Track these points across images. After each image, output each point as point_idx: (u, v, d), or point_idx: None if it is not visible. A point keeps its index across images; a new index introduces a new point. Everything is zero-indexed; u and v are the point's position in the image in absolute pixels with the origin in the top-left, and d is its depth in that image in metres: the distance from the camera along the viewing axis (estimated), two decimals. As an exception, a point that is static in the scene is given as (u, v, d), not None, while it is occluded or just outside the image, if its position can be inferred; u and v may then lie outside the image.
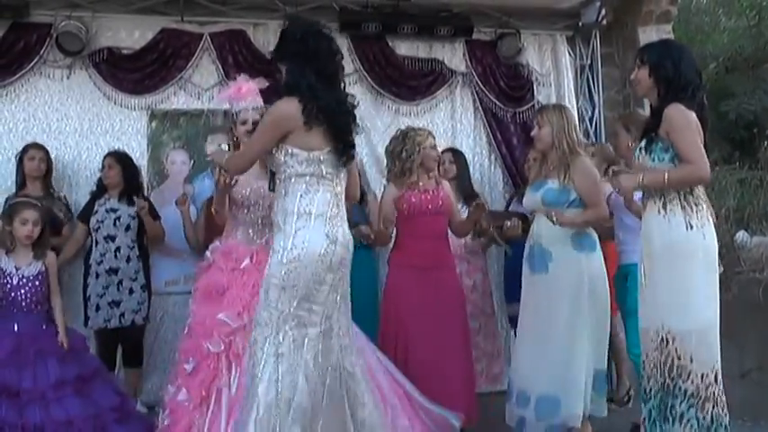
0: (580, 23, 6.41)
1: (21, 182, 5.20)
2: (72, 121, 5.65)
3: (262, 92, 4.10)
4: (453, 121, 6.22)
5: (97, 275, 5.02)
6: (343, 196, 3.39)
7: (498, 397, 4.73)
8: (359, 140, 5.91)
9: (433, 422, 3.92)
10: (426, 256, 4.58)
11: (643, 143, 3.62)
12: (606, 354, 4.28)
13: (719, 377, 3.46)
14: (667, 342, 3.46)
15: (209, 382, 3.70)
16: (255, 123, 3.82)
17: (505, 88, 6.23)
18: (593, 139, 6.28)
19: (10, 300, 4.10)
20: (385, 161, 5.83)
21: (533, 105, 6.20)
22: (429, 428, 3.88)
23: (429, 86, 6.17)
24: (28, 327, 4.08)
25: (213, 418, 3.61)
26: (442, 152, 5.25)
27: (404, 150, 4.65)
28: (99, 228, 5.06)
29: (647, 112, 3.89)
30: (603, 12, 6.33)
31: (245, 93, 4.06)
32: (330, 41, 3.37)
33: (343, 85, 3.43)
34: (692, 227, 3.45)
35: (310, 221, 3.21)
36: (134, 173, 5.26)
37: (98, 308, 4.98)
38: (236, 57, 5.77)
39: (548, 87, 6.33)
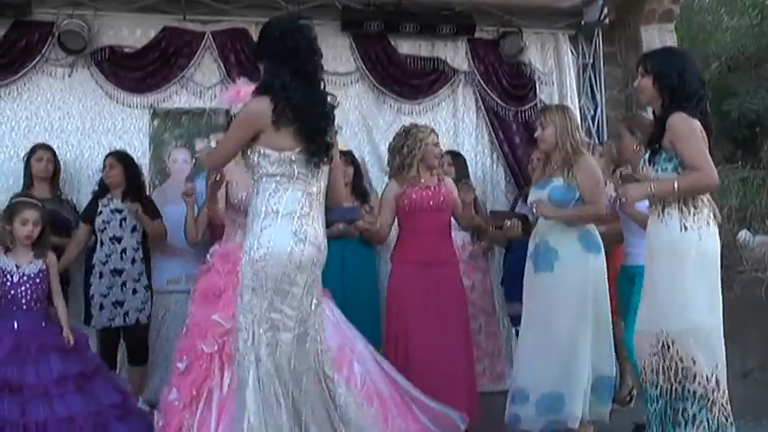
0: (582, 22, 6.41)
1: (28, 182, 5.19)
2: (74, 120, 5.66)
3: None
4: (455, 120, 6.22)
5: (101, 275, 5.02)
6: (320, 197, 3.28)
7: (501, 396, 4.71)
8: (361, 139, 6.02)
9: (435, 422, 3.90)
10: (428, 252, 4.58)
11: (647, 155, 3.62)
12: (614, 360, 4.27)
13: (722, 381, 3.43)
14: (668, 346, 3.45)
15: (201, 382, 3.69)
16: None
17: (508, 87, 6.23)
18: (596, 138, 6.28)
19: (9, 297, 4.10)
20: (387, 160, 5.85)
21: (536, 104, 6.20)
22: (428, 429, 3.86)
23: (431, 85, 6.17)
24: (28, 324, 4.08)
25: (203, 419, 3.60)
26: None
27: (405, 146, 4.66)
28: (105, 229, 5.06)
29: (650, 113, 3.88)
30: (606, 10, 6.32)
31: (244, 96, 4.05)
32: (310, 39, 3.29)
33: (322, 84, 3.32)
34: (686, 228, 3.44)
35: (277, 220, 3.12)
36: (135, 172, 5.25)
37: (102, 307, 4.99)
38: (238, 55, 5.77)
39: (550, 86, 6.33)
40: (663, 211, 3.51)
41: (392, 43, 6.10)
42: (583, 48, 6.47)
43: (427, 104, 6.16)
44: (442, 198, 4.66)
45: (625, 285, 4.40)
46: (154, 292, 5.22)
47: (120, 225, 5.06)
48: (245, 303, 3.12)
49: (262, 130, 3.15)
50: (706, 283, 3.47)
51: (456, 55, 6.21)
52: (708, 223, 3.49)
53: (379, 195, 5.42)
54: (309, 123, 3.15)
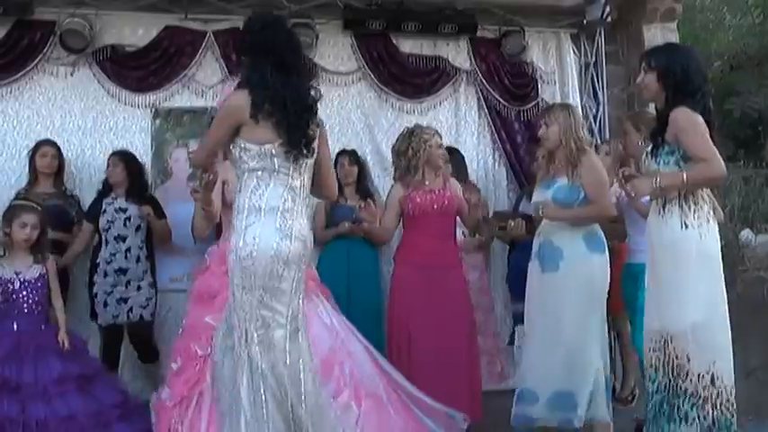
0: (584, 21, 6.39)
1: (32, 178, 5.20)
2: (76, 119, 5.65)
3: None
4: (457, 119, 6.21)
5: (105, 274, 5.03)
6: (304, 191, 3.26)
7: (500, 395, 4.72)
8: (363, 138, 6.01)
9: (437, 422, 3.88)
10: (431, 255, 4.57)
11: (649, 148, 3.62)
12: (608, 361, 4.26)
13: (719, 380, 3.42)
14: (667, 342, 3.48)
15: (193, 383, 3.68)
16: None
17: (510, 86, 6.22)
18: (598, 138, 6.27)
19: (11, 302, 4.11)
20: (389, 159, 5.84)
21: (537, 103, 6.19)
22: (429, 429, 3.84)
23: (433, 84, 6.16)
24: (27, 326, 4.10)
25: (194, 420, 3.59)
26: None
27: (410, 148, 4.64)
28: (109, 228, 5.06)
29: (653, 109, 3.89)
30: (608, 9, 6.30)
31: None
32: (290, 33, 3.31)
33: (304, 78, 3.31)
34: (686, 226, 3.45)
35: (260, 216, 3.12)
36: (139, 171, 5.26)
37: (106, 304, 5.00)
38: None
39: (552, 85, 6.31)
40: (663, 208, 3.52)
41: (394, 42, 6.09)
42: (585, 47, 6.46)
43: (429, 103, 6.15)
44: (446, 201, 4.65)
45: (630, 283, 4.40)
46: (158, 290, 5.22)
47: (125, 224, 5.07)
48: (236, 302, 3.13)
49: (242, 124, 3.16)
50: (708, 281, 3.47)
51: (458, 54, 6.20)
52: (708, 220, 3.50)
53: (382, 195, 5.44)
54: (288, 116, 3.14)
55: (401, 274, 4.66)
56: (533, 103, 6.22)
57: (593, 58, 6.45)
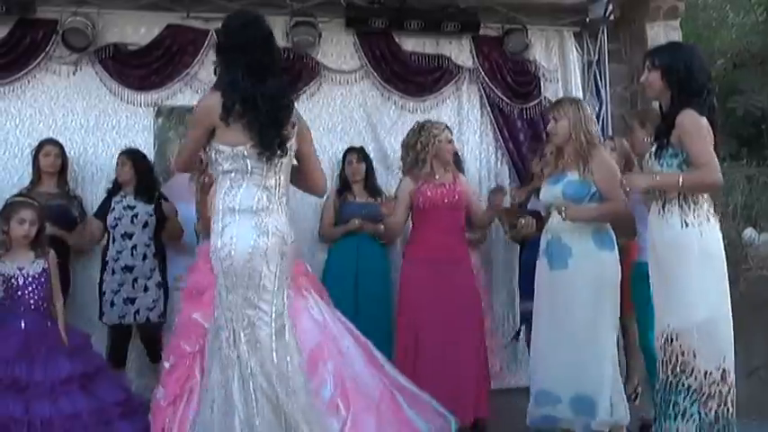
0: (587, 19, 6.39)
1: (35, 178, 5.20)
2: (78, 118, 5.66)
3: None
4: (460, 117, 6.20)
5: (113, 272, 5.04)
6: (280, 189, 3.22)
7: (499, 394, 4.72)
8: (366, 136, 6.00)
9: (428, 420, 3.81)
10: (441, 250, 4.58)
11: (653, 149, 3.62)
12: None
13: (728, 376, 3.44)
14: (671, 340, 3.49)
15: (184, 380, 3.69)
16: None
17: (512, 84, 6.21)
18: (601, 136, 6.25)
19: (17, 299, 4.11)
20: (391, 157, 5.84)
21: (540, 101, 6.19)
22: (416, 429, 3.78)
23: (436, 82, 6.16)
24: (34, 325, 4.09)
25: (183, 417, 3.59)
26: None
27: (418, 142, 4.66)
28: (116, 225, 5.08)
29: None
30: (611, 7, 6.30)
31: None
32: (264, 33, 3.26)
33: (279, 78, 3.26)
34: (686, 224, 3.46)
35: (235, 217, 3.12)
36: (147, 169, 5.28)
37: (113, 304, 5.01)
38: (242, 53, 5.76)
39: (555, 83, 6.31)
40: (663, 208, 3.54)
41: (397, 40, 6.09)
42: (587, 45, 6.45)
43: (432, 102, 6.15)
44: (456, 196, 4.66)
45: (639, 282, 4.37)
46: (168, 289, 5.22)
47: (132, 221, 5.09)
48: (222, 302, 3.15)
49: (215, 126, 3.14)
50: (711, 278, 3.48)
51: (460, 52, 6.20)
52: (708, 218, 3.51)
53: (385, 193, 5.45)
54: (259, 117, 3.11)
55: (410, 269, 4.67)
56: (536, 101, 6.21)
57: (596, 57, 6.44)
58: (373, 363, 3.92)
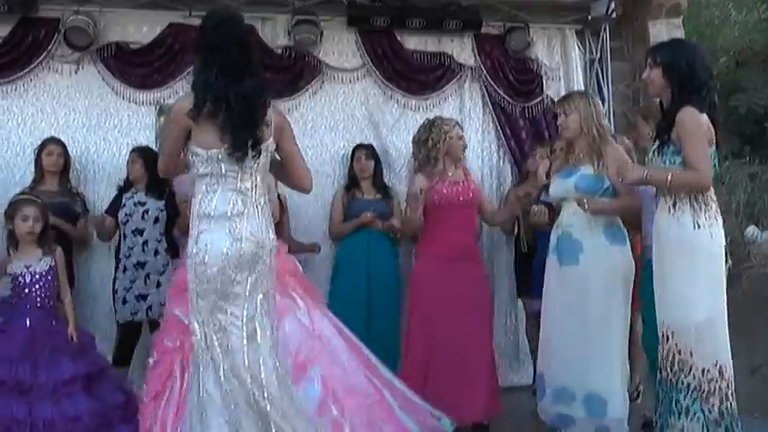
0: (589, 17, 6.37)
1: (38, 176, 5.20)
2: (80, 116, 5.67)
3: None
4: (462, 116, 6.18)
5: (125, 269, 5.05)
6: (256, 191, 3.20)
7: (501, 393, 4.70)
8: (368, 134, 6.00)
9: (417, 420, 3.78)
10: (454, 248, 4.58)
11: (656, 145, 3.62)
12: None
13: (726, 371, 3.45)
14: (667, 338, 3.51)
15: (166, 377, 3.67)
16: None
17: (514, 82, 6.20)
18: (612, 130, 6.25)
19: (23, 297, 4.11)
20: (393, 155, 5.84)
21: (542, 99, 6.19)
22: (407, 429, 3.75)
23: (438, 81, 6.15)
24: (39, 323, 4.10)
25: (164, 415, 3.57)
26: None
27: (429, 139, 4.66)
28: (127, 221, 5.09)
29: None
30: (613, 5, 6.29)
31: None
32: (240, 32, 3.24)
33: (255, 78, 3.21)
34: (699, 226, 3.47)
35: (210, 223, 3.11)
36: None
37: (125, 301, 5.02)
38: (244, 52, 5.76)
39: (557, 81, 6.30)
40: (674, 206, 3.52)
41: (398, 39, 6.08)
42: (590, 43, 6.44)
43: (434, 100, 6.14)
44: (471, 194, 4.67)
45: (649, 280, 4.37)
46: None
47: (143, 217, 5.09)
48: (194, 307, 3.14)
49: (190, 128, 3.13)
50: (711, 278, 3.49)
51: (462, 50, 6.18)
52: (716, 219, 3.52)
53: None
54: (232, 118, 3.09)
55: (424, 266, 4.68)
56: (538, 99, 6.20)
57: (598, 55, 6.43)
58: (365, 363, 3.88)
